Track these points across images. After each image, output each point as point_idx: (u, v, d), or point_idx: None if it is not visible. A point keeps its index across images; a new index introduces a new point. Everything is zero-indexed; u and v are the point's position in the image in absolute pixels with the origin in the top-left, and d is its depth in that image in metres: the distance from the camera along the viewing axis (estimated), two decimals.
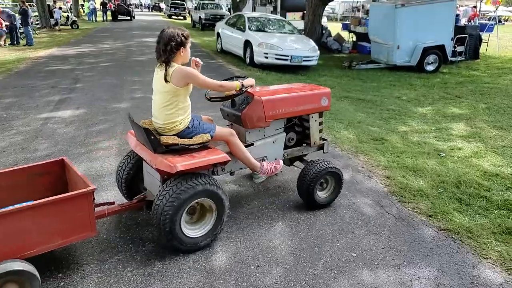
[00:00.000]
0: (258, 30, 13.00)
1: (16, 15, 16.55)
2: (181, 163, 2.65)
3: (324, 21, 32.02)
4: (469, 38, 14.30)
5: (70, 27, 25.42)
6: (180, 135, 2.88)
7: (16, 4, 25.64)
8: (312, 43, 12.66)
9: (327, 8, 46.64)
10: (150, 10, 67.36)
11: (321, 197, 3.61)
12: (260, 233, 3.29)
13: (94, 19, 34.09)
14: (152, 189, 3.10)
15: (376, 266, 2.94)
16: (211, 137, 2.97)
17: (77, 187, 2.77)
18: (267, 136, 3.47)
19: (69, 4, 33.29)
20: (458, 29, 14.15)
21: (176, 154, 2.78)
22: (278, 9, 29.57)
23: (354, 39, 17.91)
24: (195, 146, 2.85)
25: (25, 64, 11.21)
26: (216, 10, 29.04)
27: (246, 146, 3.27)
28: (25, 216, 2.34)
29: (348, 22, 19.11)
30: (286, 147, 3.68)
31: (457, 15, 16.99)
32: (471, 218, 3.74)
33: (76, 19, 27.25)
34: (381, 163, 5.05)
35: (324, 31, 17.75)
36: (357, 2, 23.09)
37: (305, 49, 12.03)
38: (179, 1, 43.17)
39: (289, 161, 3.94)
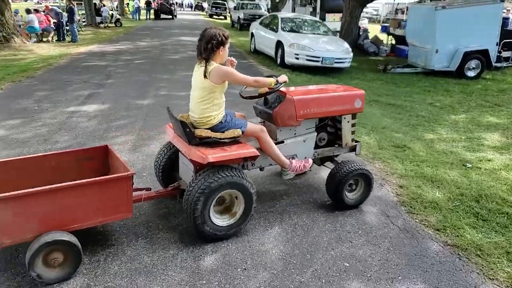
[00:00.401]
0: (291, 31, 12.89)
1: (63, 13, 17.36)
2: (213, 155, 2.80)
3: (365, 22, 31.39)
4: None
5: (114, 25, 26.30)
6: (213, 129, 3.01)
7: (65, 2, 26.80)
8: (346, 45, 12.38)
9: (370, 9, 45.47)
10: (193, 9, 68.63)
11: (349, 198, 3.62)
12: (254, 235, 3.23)
13: (137, 17, 35.16)
14: (186, 178, 3.28)
15: (368, 278, 2.80)
16: (242, 132, 3.08)
17: (118, 172, 2.97)
18: (298, 134, 3.51)
19: (115, 3, 34.53)
20: (506, 33, 13.37)
21: (209, 147, 2.93)
22: (318, 10, 29.27)
23: (393, 42, 17.36)
24: (226, 140, 2.99)
25: (66, 60, 11.72)
26: (255, 10, 29.13)
27: (276, 144, 3.33)
28: (73, 193, 2.59)
29: (387, 25, 18.55)
30: (317, 146, 3.71)
31: (506, 19, 16.12)
32: (485, 235, 3.49)
33: (120, 17, 28.15)
34: (398, 171, 4.83)
35: (361, 33, 17.34)
36: (399, 4, 22.36)
37: (337, 50, 11.80)
38: (220, 1, 43.69)
39: (319, 161, 3.97)
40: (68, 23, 16.74)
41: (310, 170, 4.11)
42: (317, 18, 15.04)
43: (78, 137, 5.31)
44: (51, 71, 9.88)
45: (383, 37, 18.74)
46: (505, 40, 12.85)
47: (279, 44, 12.44)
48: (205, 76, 2.89)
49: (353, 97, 3.66)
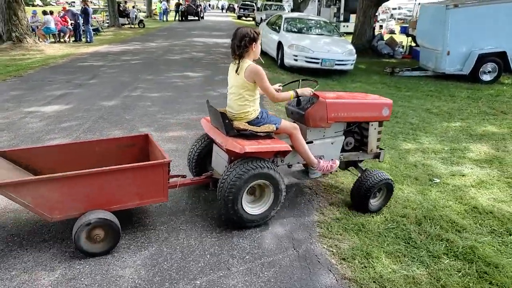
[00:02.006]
0: (294, 31, 12.42)
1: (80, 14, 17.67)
2: (249, 146, 2.99)
3: (392, 24, 30.20)
4: None
5: (138, 26, 26.72)
6: (250, 123, 3.18)
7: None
8: (350, 46, 11.76)
9: (404, 10, 43.79)
10: (225, 11, 69.19)
11: (372, 204, 3.74)
12: (121, 256, 2.84)
13: (165, 18, 35.61)
14: (219, 168, 3.48)
15: None
16: (276, 128, 3.24)
17: (157, 159, 3.17)
18: (327, 136, 3.69)
19: (139, 5, 35.16)
20: None
21: (245, 139, 3.10)
22: (342, 10, 28.52)
23: (413, 43, 16.45)
24: (261, 133, 3.17)
25: (65, 60, 11.79)
26: (277, 11, 28.70)
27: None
28: (115, 177, 2.83)
29: (407, 25, 17.63)
30: (343, 150, 3.85)
31: None
32: (402, 266, 2.96)
33: (143, 18, 28.56)
34: (342, 184, 4.33)
35: (375, 34, 16.57)
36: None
37: (339, 52, 11.21)
38: (248, 2, 43.60)
39: (344, 165, 4.07)
40: (83, 24, 16.95)
41: (336, 171, 4.16)
42: (323, 18, 14.40)
43: (16, 138, 5.13)
44: (42, 71, 9.90)
45: (403, 38, 17.86)
46: None
47: (280, 45, 12.01)
48: (236, 72, 3.09)
49: (381, 105, 3.79)
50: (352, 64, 11.56)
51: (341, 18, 28.48)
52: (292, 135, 3.34)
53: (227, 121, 3.10)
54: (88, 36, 17.03)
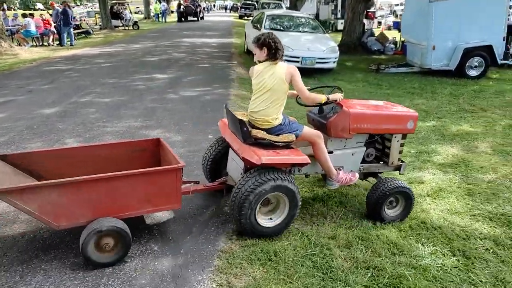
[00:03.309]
0: (276, 28, 11.95)
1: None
2: (267, 157, 2.87)
3: (390, 20, 29.51)
4: None
5: (132, 28, 26.46)
6: (269, 131, 3.10)
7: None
8: (332, 43, 11.27)
9: None
10: (229, 11, 68.96)
11: (389, 214, 3.58)
12: None
13: (164, 20, 35.25)
14: (234, 175, 3.38)
15: None
16: (297, 136, 3.15)
17: (169, 164, 3.08)
18: (348, 147, 3.56)
19: (135, 6, 34.90)
20: None
21: (262, 148, 3.00)
22: (339, 7, 27.97)
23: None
24: (280, 143, 3.07)
25: (33, 64, 11.31)
26: (275, 10, 28.18)
27: None
28: (125, 182, 2.71)
29: (399, 20, 17.05)
30: (364, 161, 3.72)
31: None
32: None
33: (137, 20, 28.29)
34: None
35: (366, 30, 16.03)
36: None
37: (320, 50, 10.73)
38: (249, 2, 43.13)
39: (363, 175, 3.90)
40: (63, 26, 16.47)
41: (355, 184, 4.08)
42: (307, 15, 13.91)
43: None
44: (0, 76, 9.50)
45: (396, 33, 17.29)
46: None
47: None
48: (272, 75, 3.02)
49: (407, 118, 3.63)
50: (334, 62, 11.09)
51: (339, 15, 27.95)
52: (315, 144, 3.24)
53: (245, 129, 3.00)
54: (70, 39, 16.70)
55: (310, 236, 3.25)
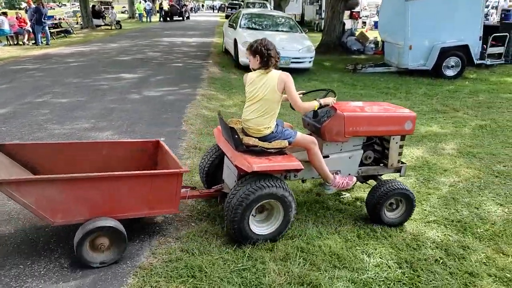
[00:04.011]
0: (252, 27, 11.71)
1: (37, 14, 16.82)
2: (258, 164, 2.84)
3: (376, 19, 29.43)
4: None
5: (114, 27, 26.09)
6: (263, 138, 3.05)
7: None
8: (308, 43, 11.07)
9: None
10: (217, 11, 68.77)
11: (389, 217, 3.51)
12: None
13: (149, 19, 34.78)
14: (229, 182, 3.34)
15: None
16: (289, 143, 3.11)
17: (168, 167, 3.07)
18: (344, 151, 3.50)
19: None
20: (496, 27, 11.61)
21: (255, 155, 2.96)
22: (323, 7, 27.81)
23: None
24: (272, 150, 3.03)
25: None
26: (260, 9, 27.95)
27: None
28: (126, 183, 2.68)
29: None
30: (362, 164, 3.65)
31: (508, 11, 14.21)
32: None
33: (119, 19, 27.89)
34: (208, 210, 3.62)
35: (346, 30, 15.88)
36: None
37: (295, 49, 10.52)
38: (236, 2, 42.86)
39: (362, 178, 3.85)
40: (35, 25, 15.98)
41: (352, 188, 4.03)
42: (285, 14, 13.70)
43: None
44: None
45: (377, 33, 17.12)
46: (494, 34, 11.06)
47: (236, 43, 11.31)
48: (264, 83, 2.96)
49: (404, 118, 3.57)
50: (310, 62, 10.89)
51: (323, 15, 27.79)
52: (309, 150, 3.19)
53: (236, 136, 2.97)
54: (43, 38, 16.25)
55: (246, 248, 2.99)
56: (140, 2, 36.96)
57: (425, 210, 3.84)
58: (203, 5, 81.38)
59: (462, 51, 10.27)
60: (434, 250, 3.18)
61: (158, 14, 36.89)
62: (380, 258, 3.04)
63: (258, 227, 3.06)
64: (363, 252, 3.11)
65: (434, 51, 10.28)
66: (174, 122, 5.77)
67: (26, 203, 2.42)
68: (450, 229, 3.52)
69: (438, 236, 3.40)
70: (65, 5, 60.25)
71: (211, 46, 16.49)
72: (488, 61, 10.94)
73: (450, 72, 10.46)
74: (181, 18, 36.65)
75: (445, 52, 10.23)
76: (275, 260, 2.88)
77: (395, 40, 10.86)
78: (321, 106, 3.23)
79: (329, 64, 12.91)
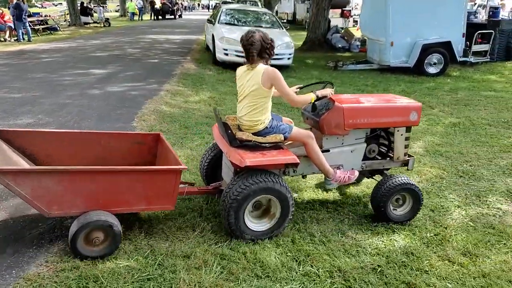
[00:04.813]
0: (231, 23, 11.41)
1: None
2: (251, 159, 2.78)
3: None
4: (498, 35, 11.34)
5: (103, 25, 25.83)
6: (257, 133, 2.98)
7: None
8: (287, 39, 10.77)
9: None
10: (212, 10, 68.54)
11: (395, 214, 3.38)
12: None
13: (140, 18, 34.41)
14: (227, 179, 3.26)
15: None
16: (285, 138, 3.03)
17: (167, 162, 3.05)
18: (345, 144, 3.38)
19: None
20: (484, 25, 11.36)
21: (249, 150, 2.89)
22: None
23: None
24: (267, 144, 2.95)
25: None
26: (252, 7, 27.65)
27: (321, 152, 3.19)
28: (126, 177, 2.64)
29: None
30: (366, 158, 3.52)
31: (496, 8, 13.93)
32: None
33: (109, 18, 27.61)
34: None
35: (331, 27, 15.59)
36: None
37: None
38: (229, 0, 42.58)
39: (368, 173, 3.73)
40: (16, 21, 15.66)
41: (355, 182, 3.88)
42: (266, 10, 13.41)
43: None
44: None
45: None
46: (479, 31, 10.79)
47: (214, 39, 11.00)
48: (251, 78, 2.87)
49: (408, 109, 3.43)
50: (289, 59, 10.59)
51: None
52: (306, 144, 3.10)
53: (229, 131, 2.93)
54: (25, 35, 15.91)
55: (159, 255, 2.68)
56: (131, 1, 36.59)
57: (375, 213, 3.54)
58: (199, 4, 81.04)
59: (445, 48, 10.00)
60: (374, 257, 2.88)
61: (150, 13, 36.58)
62: (310, 266, 2.73)
63: (255, 223, 2.98)
64: (294, 258, 2.80)
65: (416, 48, 10.00)
66: (126, 118, 5.46)
67: (22, 193, 2.40)
68: (397, 233, 3.22)
69: (382, 241, 3.10)
70: (61, 3, 59.84)
71: (195, 43, 16.19)
72: (472, 59, 10.65)
73: (432, 70, 10.18)
74: (172, 16, 36.36)
75: (427, 49, 9.96)
76: (188, 269, 2.57)
77: (376, 37, 10.57)
78: (318, 98, 3.12)
79: (311, 61, 12.60)
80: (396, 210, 3.39)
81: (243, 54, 9.83)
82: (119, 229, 2.59)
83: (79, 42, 15.25)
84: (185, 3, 55.29)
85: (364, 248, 2.99)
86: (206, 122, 5.58)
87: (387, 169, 3.66)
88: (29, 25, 16.77)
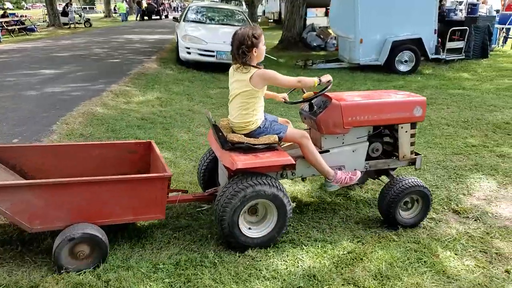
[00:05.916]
0: (197, 21, 10.97)
1: None
2: (243, 161, 2.66)
3: None
4: (474, 32, 10.97)
5: (84, 26, 25.44)
6: (250, 134, 2.88)
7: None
8: None
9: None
10: None
11: (404, 217, 3.21)
12: None
13: (125, 18, 33.95)
14: (222, 184, 3.13)
15: None
16: (280, 138, 2.91)
17: (158, 169, 2.97)
18: (346, 144, 3.22)
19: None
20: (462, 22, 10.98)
21: (243, 153, 2.77)
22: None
23: None
24: (260, 146, 2.81)
25: None
26: (236, 7, 27.25)
27: (321, 153, 3.08)
28: (108, 188, 2.57)
29: None
30: (370, 158, 3.34)
31: (475, 5, 13.57)
32: None
33: (89, 18, 27.18)
34: None
35: (307, 25, 15.21)
36: None
37: None
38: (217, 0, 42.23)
39: (374, 174, 3.57)
40: None
41: (357, 183, 3.73)
42: (237, 8, 13.00)
43: None
44: None
45: None
46: (453, 28, 10.42)
47: (177, 37, 10.58)
48: (240, 80, 2.78)
49: (412, 104, 3.24)
50: None
51: None
52: (301, 145, 2.96)
53: (220, 134, 2.81)
54: None
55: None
56: (122, 1, 36.12)
57: (294, 226, 3.12)
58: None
59: (416, 45, 9.62)
60: (266, 282, 2.46)
61: (136, 13, 36.16)
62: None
63: (250, 230, 2.84)
64: (170, 286, 2.37)
65: (386, 45, 9.62)
66: (48, 121, 5.02)
67: (1, 209, 2.30)
68: (306, 251, 2.80)
69: (285, 261, 2.69)
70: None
71: (169, 42, 15.75)
72: (444, 55, 10.28)
73: (403, 67, 9.80)
74: (158, 17, 35.97)
75: (397, 46, 9.59)
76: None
77: (346, 34, 10.17)
78: (320, 83, 2.95)
79: (284, 60, 12.20)
80: (404, 213, 3.21)
81: (207, 53, 9.46)
82: (105, 242, 2.49)
83: (47, 43, 14.81)
84: (173, 4, 54.57)
85: (259, 270, 2.56)
86: (138, 125, 5.16)
87: (393, 169, 3.47)
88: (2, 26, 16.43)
